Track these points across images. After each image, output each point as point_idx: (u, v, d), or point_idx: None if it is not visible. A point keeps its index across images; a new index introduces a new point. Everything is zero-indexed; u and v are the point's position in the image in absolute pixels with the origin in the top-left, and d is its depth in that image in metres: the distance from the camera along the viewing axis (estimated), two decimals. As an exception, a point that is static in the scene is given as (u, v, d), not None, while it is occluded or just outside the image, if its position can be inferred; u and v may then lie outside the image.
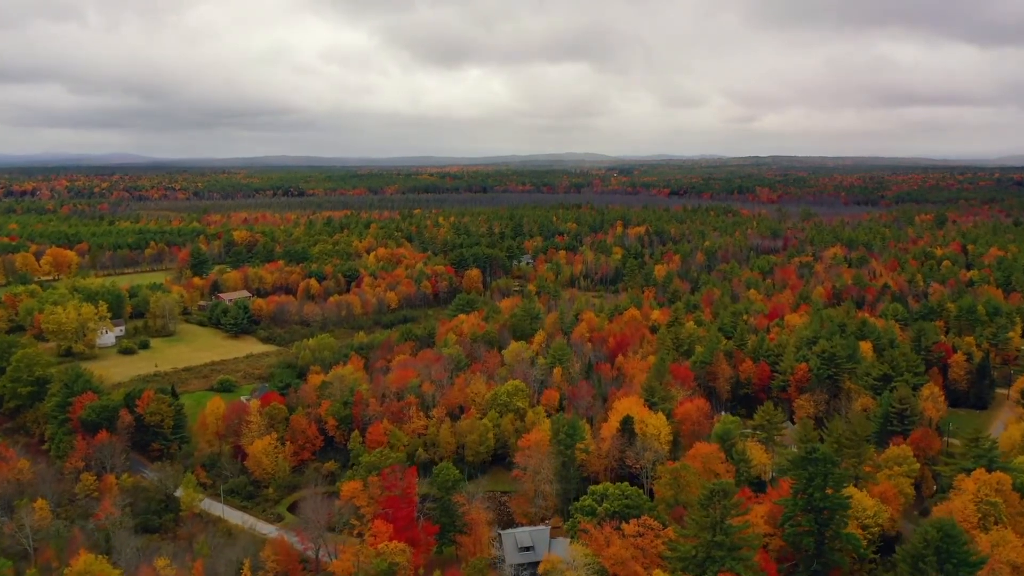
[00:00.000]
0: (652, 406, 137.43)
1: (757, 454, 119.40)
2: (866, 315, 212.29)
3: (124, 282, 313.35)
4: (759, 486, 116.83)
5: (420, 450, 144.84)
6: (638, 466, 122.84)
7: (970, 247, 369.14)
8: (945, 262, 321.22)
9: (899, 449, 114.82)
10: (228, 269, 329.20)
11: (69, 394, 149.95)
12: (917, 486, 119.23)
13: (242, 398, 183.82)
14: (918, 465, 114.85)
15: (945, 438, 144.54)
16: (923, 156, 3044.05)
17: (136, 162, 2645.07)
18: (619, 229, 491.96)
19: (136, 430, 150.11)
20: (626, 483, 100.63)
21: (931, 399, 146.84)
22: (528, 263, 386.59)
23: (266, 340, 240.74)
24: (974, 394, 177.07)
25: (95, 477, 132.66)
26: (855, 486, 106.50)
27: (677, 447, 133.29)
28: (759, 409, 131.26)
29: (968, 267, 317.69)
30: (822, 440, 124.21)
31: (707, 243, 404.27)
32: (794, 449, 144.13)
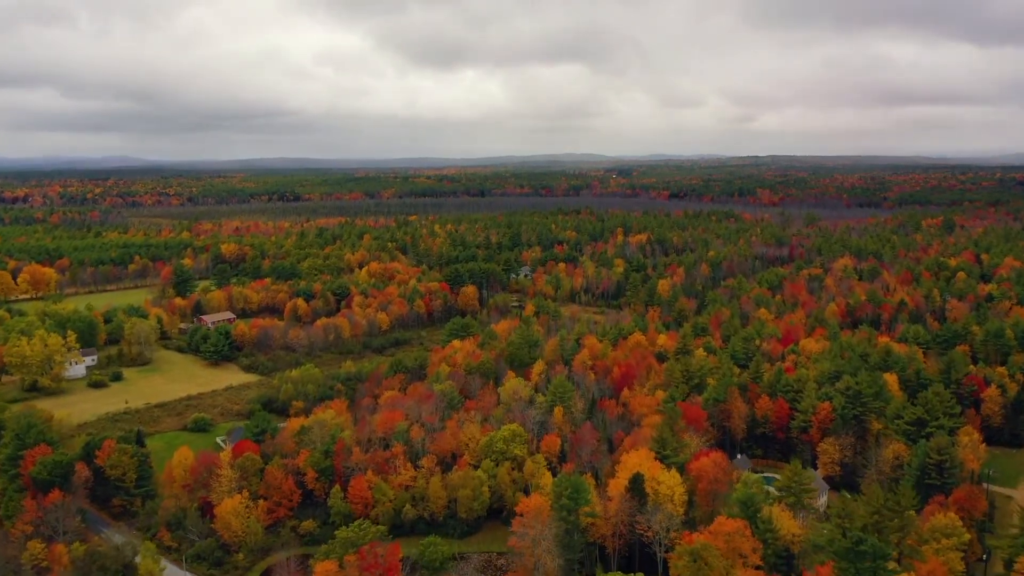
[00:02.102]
0: (664, 459, 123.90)
1: (785, 522, 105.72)
2: (887, 341, 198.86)
3: (104, 301, 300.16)
4: (788, 560, 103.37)
5: (408, 506, 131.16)
6: (650, 534, 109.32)
7: (984, 256, 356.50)
8: (960, 273, 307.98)
9: (946, 518, 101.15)
10: (212, 287, 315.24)
11: (20, 446, 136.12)
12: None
13: (217, 439, 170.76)
14: (968, 536, 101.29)
15: (986, 485, 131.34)
16: (922, 155, 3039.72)
17: (133, 165, 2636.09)
18: (619, 237, 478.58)
19: (96, 483, 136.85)
20: (641, 574, 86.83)
21: (971, 446, 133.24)
22: (527, 276, 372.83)
23: (248, 369, 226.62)
24: (1009, 430, 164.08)
25: (44, 545, 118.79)
26: (898, 562, 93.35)
27: (692, 505, 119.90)
28: (785, 469, 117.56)
29: (984, 279, 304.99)
30: (852, 492, 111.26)
31: (711, 253, 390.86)
32: (823, 502, 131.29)
